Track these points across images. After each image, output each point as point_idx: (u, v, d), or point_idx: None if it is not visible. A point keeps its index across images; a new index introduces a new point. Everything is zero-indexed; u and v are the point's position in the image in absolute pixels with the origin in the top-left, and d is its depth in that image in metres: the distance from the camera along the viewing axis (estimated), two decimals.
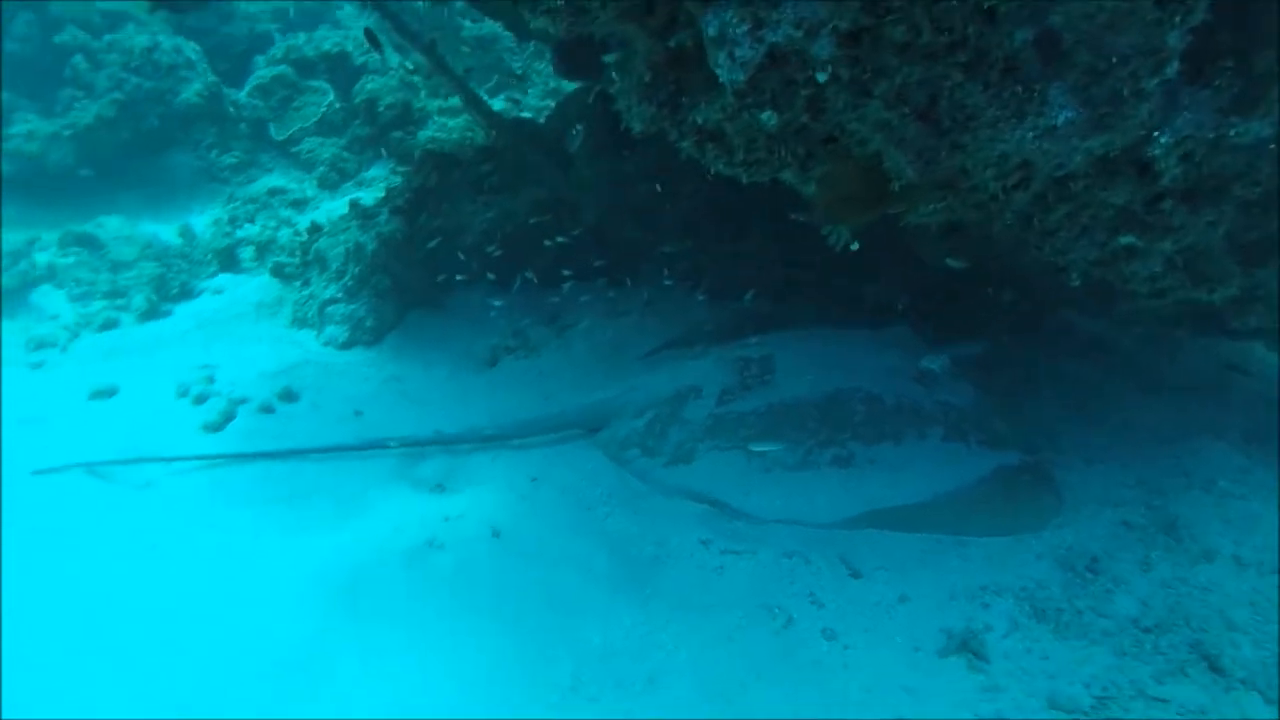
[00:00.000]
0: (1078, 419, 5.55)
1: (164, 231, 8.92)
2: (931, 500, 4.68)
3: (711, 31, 2.83)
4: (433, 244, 6.74)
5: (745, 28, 2.78)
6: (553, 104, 8.91)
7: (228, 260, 8.21)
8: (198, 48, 10.54)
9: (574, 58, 3.88)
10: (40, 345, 7.15)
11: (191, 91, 10.11)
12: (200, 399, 5.93)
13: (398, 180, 8.78)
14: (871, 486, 4.75)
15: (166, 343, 7.01)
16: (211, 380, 6.11)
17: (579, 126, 6.87)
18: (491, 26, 11.18)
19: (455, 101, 9.81)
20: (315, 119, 10.60)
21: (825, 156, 3.07)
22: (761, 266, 6.68)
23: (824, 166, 3.07)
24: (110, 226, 8.65)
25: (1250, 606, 3.87)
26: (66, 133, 9.43)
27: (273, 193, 9.79)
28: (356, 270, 6.77)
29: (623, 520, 4.63)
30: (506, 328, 6.74)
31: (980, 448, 5.01)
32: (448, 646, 3.79)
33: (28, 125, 9.55)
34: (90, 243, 8.42)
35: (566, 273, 6.58)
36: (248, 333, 7.02)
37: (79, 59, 9.83)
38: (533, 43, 10.96)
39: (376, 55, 10.74)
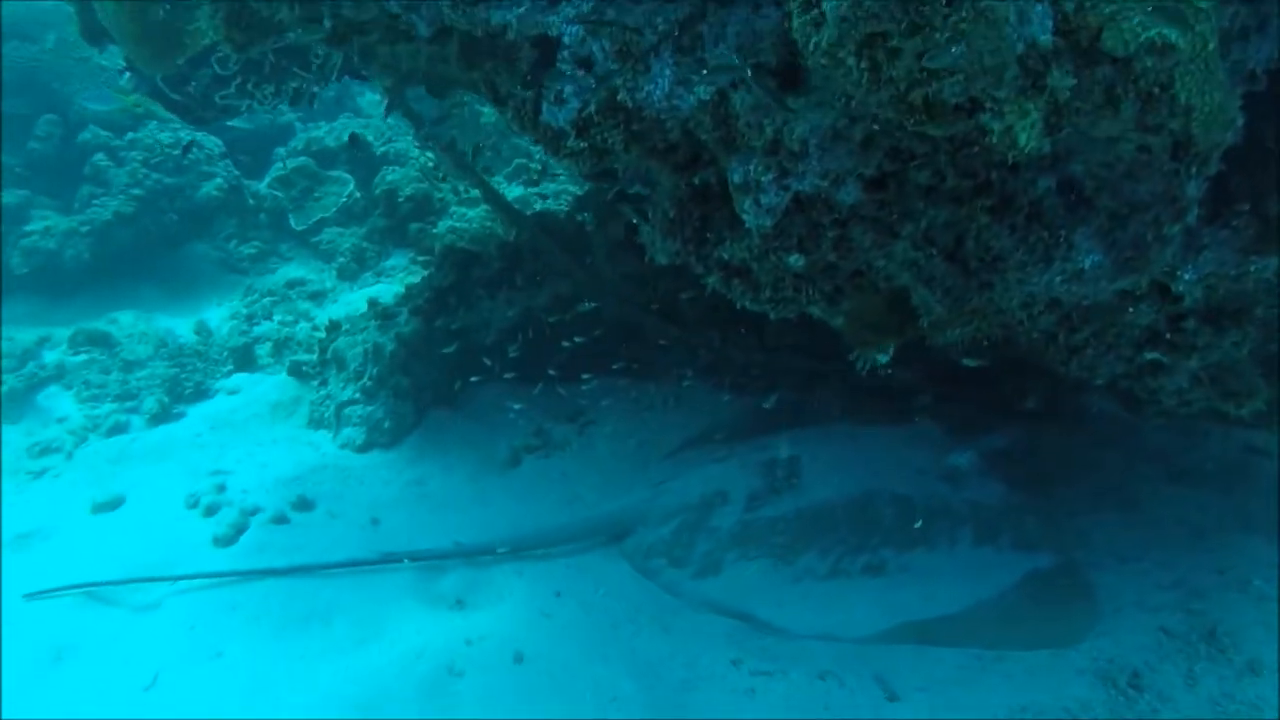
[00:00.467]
0: (1108, 512, 5.54)
1: (180, 326, 9.07)
2: (967, 611, 4.67)
3: (736, 179, 2.98)
4: (452, 345, 6.86)
5: (771, 175, 2.92)
6: (573, 189, 9.16)
7: (244, 358, 8.33)
8: (219, 142, 10.89)
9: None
10: (44, 451, 7.05)
11: (212, 186, 10.43)
12: (211, 510, 5.92)
13: (417, 272, 8.99)
14: (905, 596, 4.75)
15: (178, 447, 7.00)
16: (223, 489, 6.13)
17: (591, 218, 7.06)
18: None
19: (474, 192, 10.07)
20: (335, 209, 10.89)
21: (853, 291, 3.20)
22: (784, 358, 6.77)
23: (852, 300, 3.20)
24: (124, 323, 8.79)
25: None
26: (84, 229, 9.69)
27: (291, 284, 10.00)
28: (375, 371, 6.90)
29: (650, 639, 4.61)
30: (528, 427, 6.79)
31: (1012, 551, 5.02)
32: None
33: (45, 222, 9.81)
34: (103, 341, 8.54)
35: (586, 376, 6.68)
36: (263, 435, 7.08)
37: (100, 156, 10.16)
38: None
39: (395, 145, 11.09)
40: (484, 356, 6.94)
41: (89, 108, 9.92)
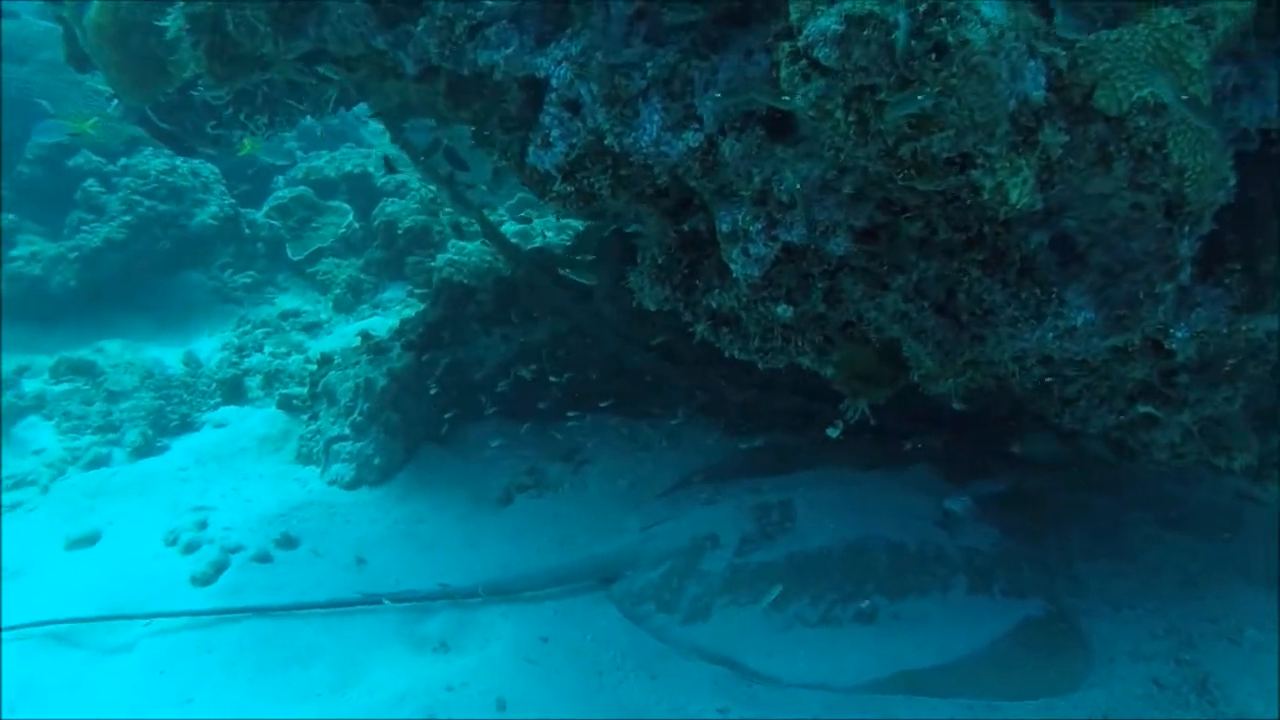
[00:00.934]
0: (1101, 559, 5.55)
1: (169, 356, 9.03)
2: (959, 660, 4.65)
3: (725, 228, 2.97)
4: (446, 380, 6.83)
5: (760, 225, 2.91)
6: (575, 224, 9.16)
7: (233, 391, 8.28)
8: (216, 169, 10.92)
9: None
10: (18, 484, 6.89)
11: (207, 214, 10.44)
12: (190, 547, 5.84)
13: (414, 305, 8.96)
14: (897, 645, 4.72)
15: (160, 482, 6.90)
16: (204, 525, 6.06)
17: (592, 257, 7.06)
18: None
19: (475, 226, 10.08)
20: (333, 239, 10.87)
21: (843, 341, 3.18)
22: (782, 398, 6.74)
23: (842, 351, 3.17)
24: (111, 352, 8.74)
25: None
26: (72, 255, 9.66)
27: (285, 315, 9.99)
28: (366, 406, 6.87)
29: (636, 687, 4.59)
30: (520, 465, 6.76)
31: (1005, 598, 5.01)
32: None
33: (31, 248, 9.78)
34: (87, 370, 8.48)
35: (572, 414, 6.65)
36: (249, 470, 7.04)
37: (91, 182, 10.17)
38: None
39: (397, 177, 11.11)
40: (477, 393, 6.89)
41: (35, 140, 9.88)
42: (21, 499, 6.79)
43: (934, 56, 2.20)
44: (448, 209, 10.25)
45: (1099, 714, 4.31)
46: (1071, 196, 2.60)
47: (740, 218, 2.87)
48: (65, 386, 8.29)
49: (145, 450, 7.44)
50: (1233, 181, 2.56)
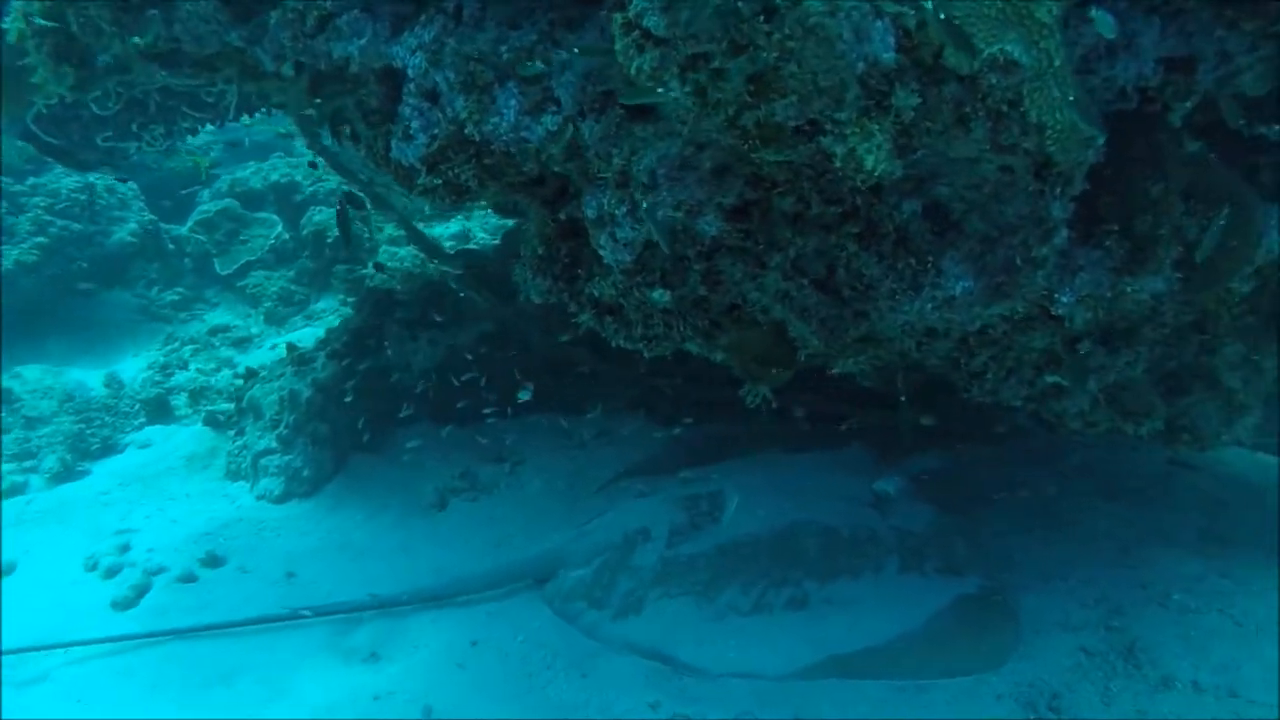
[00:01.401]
0: (1037, 531, 5.59)
1: (92, 378, 8.79)
2: (891, 641, 4.63)
3: (591, 213, 2.89)
4: (373, 387, 6.69)
5: (625, 209, 2.82)
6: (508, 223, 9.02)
7: (158, 410, 8.08)
8: (134, 185, 10.62)
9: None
10: None
11: (125, 231, 10.14)
12: (111, 571, 5.68)
13: (347, 314, 8.76)
14: (828, 630, 4.70)
15: (80, 507, 6.72)
16: (127, 549, 5.91)
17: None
18: None
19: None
20: (262, 251, 10.64)
21: (731, 324, 3.10)
22: (714, 389, 6.69)
23: (730, 334, 3.10)
24: (29, 378, 8.45)
25: None
26: None
27: (214, 331, 9.77)
28: (291, 419, 6.71)
29: (567, 686, 4.54)
30: (454, 469, 6.66)
31: (938, 576, 5.00)
32: None
33: None
34: (3, 398, 8.20)
35: (488, 411, 6.54)
36: (175, 489, 6.88)
37: None
38: None
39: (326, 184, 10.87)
40: (406, 399, 6.76)
41: None
42: None
43: (763, 19, 2.12)
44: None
45: (1026, 685, 4.31)
46: (939, 162, 2.55)
47: (605, 202, 2.79)
48: None
49: (65, 476, 7.25)
50: (1101, 140, 2.52)
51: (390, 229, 10.35)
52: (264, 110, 6.25)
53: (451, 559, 5.79)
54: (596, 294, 3.20)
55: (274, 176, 11.53)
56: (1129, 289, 2.85)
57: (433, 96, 3.02)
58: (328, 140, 5.73)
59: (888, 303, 2.73)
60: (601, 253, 2.90)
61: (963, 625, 4.70)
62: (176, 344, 9.45)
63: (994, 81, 2.29)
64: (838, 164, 2.33)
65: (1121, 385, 3.52)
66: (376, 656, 4.87)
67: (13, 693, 4.73)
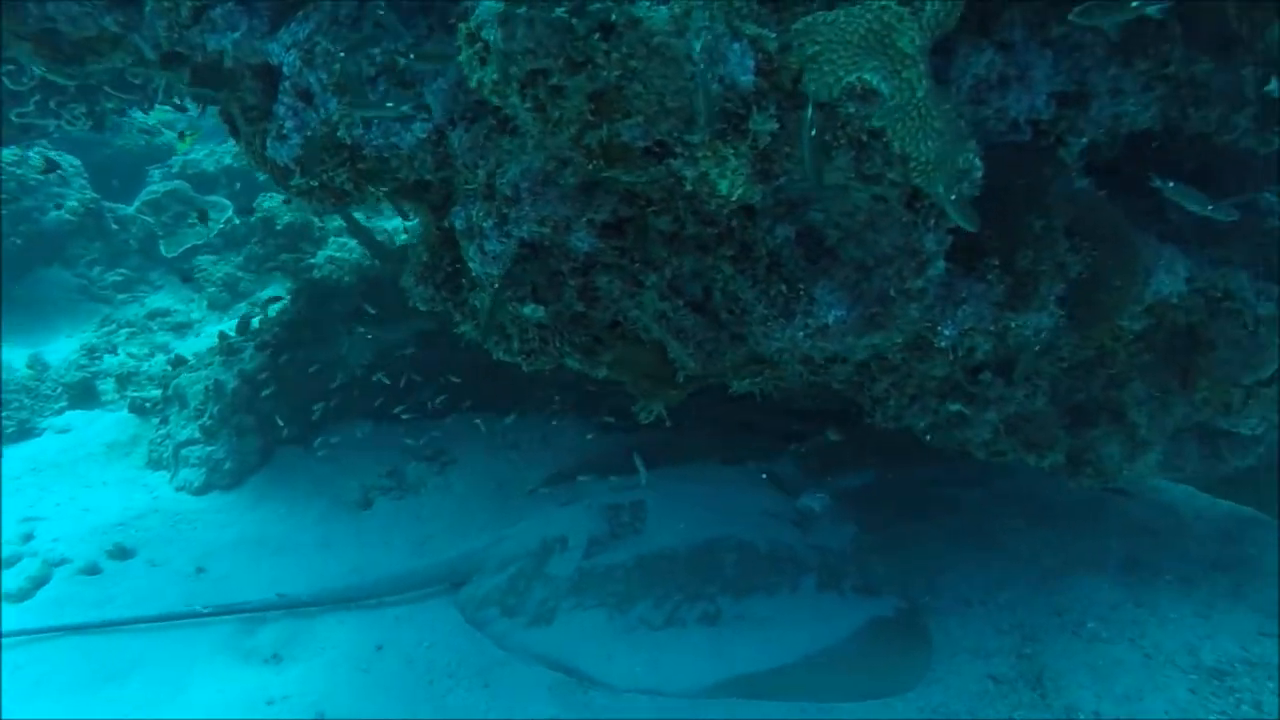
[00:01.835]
0: (965, 552, 5.59)
1: (18, 358, 8.59)
2: (801, 661, 4.62)
3: (459, 224, 2.85)
4: (305, 381, 6.63)
5: (492, 221, 2.79)
6: None
7: (82, 394, 7.93)
8: (76, 161, 10.45)
9: None
10: None
11: (65, 209, 9.96)
12: (9, 562, 5.55)
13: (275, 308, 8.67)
14: (738, 647, 4.69)
15: None
16: (30, 538, 5.79)
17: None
18: None
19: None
20: (209, 235, 10.50)
21: (615, 341, 3.08)
22: None
23: (616, 351, 3.08)
24: None
25: None
26: None
27: (153, 315, 9.61)
28: (216, 409, 6.62)
29: (468, 695, 4.49)
30: (382, 467, 6.59)
31: (855, 596, 5.00)
32: None
33: None
34: None
35: (418, 408, 6.50)
36: (93, 477, 6.75)
37: None
38: None
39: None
40: (336, 394, 6.70)
41: None
42: None
43: (599, 36, 2.10)
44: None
45: (931, 711, 4.32)
46: (810, 188, 2.54)
47: (474, 213, 2.76)
48: None
49: None
50: (978, 173, 2.51)
51: (337, 221, 10.26)
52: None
53: (371, 559, 5.73)
54: (478, 305, 3.16)
55: (227, 160, 11.40)
56: (1013, 324, 2.86)
57: (307, 96, 2.98)
58: None
59: (761, 329, 2.72)
60: (471, 265, 2.87)
61: (874, 647, 4.70)
62: (112, 326, 9.30)
63: (850, 110, 2.28)
64: (688, 187, 2.31)
65: (1023, 417, 3.53)
66: (279, 658, 4.80)
67: None
